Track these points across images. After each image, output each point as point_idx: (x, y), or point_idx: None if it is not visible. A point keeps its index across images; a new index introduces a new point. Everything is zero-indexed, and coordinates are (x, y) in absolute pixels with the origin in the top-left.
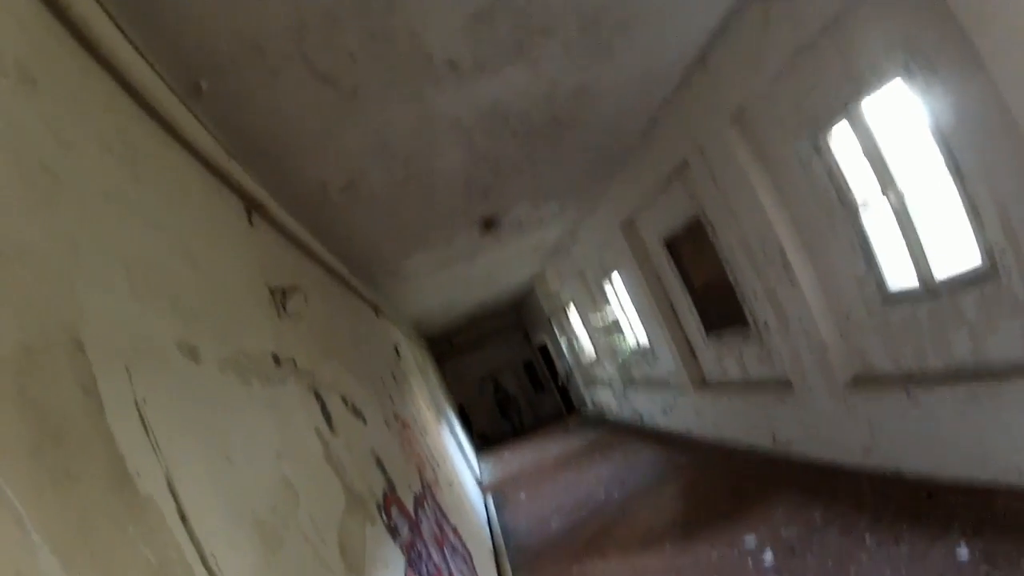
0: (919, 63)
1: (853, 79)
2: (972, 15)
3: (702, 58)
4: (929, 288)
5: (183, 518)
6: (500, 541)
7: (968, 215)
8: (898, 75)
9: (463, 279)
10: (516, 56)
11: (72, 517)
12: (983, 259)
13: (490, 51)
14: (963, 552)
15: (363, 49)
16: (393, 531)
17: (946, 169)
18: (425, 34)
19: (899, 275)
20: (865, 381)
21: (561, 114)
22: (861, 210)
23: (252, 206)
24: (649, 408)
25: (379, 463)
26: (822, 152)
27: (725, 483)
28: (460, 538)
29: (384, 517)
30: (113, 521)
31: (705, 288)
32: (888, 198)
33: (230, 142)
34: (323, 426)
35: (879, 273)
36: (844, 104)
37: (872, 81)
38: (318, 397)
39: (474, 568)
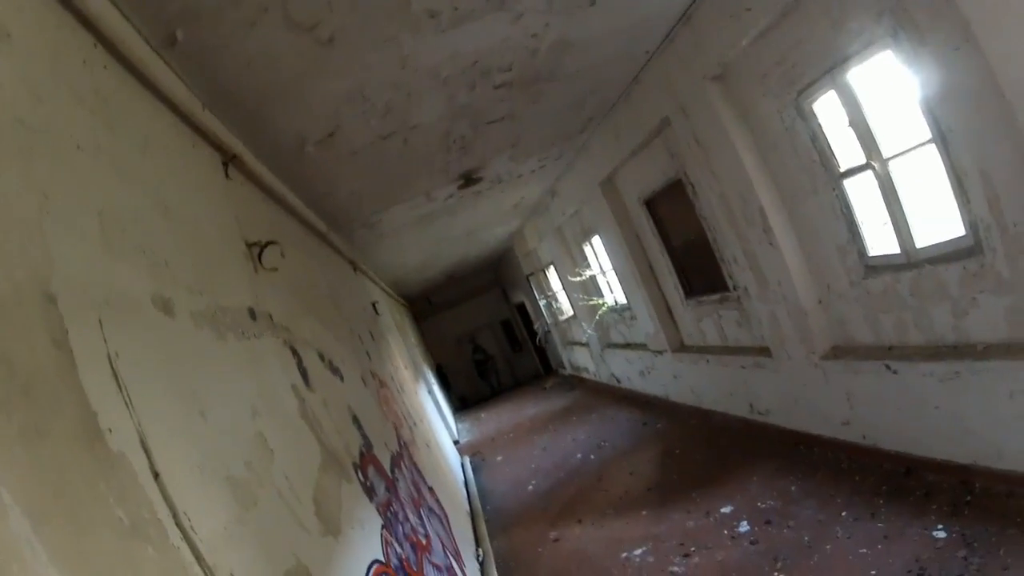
0: (907, 31)
1: (840, 43)
2: None
3: (687, 13)
4: (912, 261)
5: (156, 475)
6: (477, 503)
7: (953, 189)
8: (886, 42)
9: (442, 236)
10: (497, 6)
11: (42, 475)
12: (967, 234)
13: (471, 0)
14: (940, 533)
15: None
16: (369, 491)
17: (932, 141)
18: None
19: (882, 246)
20: (845, 352)
21: (542, 67)
22: (845, 177)
23: (228, 158)
24: (627, 370)
25: (356, 421)
26: (806, 116)
27: (702, 450)
28: (437, 499)
29: (360, 476)
30: (84, 479)
31: (684, 249)
32: (873, 167)
33: (206, 93)
34: (299, 382)
35: (861, 242)
36: (830, 69)
37: (859, 47)
38: (294, 353)
39: (450, 530)
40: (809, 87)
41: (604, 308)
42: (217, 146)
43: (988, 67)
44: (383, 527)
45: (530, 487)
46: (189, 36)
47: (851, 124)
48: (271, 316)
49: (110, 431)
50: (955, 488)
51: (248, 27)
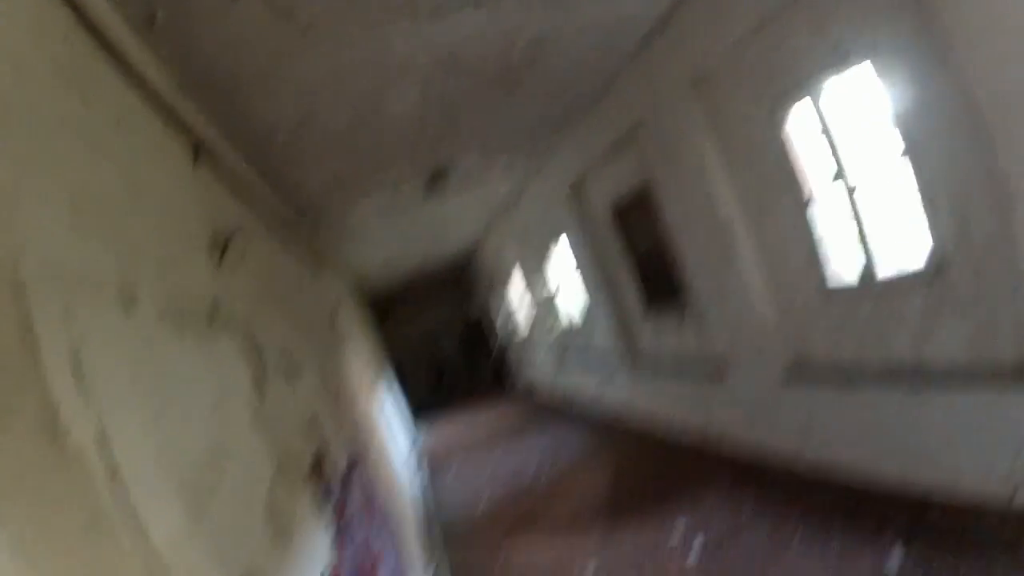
0: (889, 47)
1: (819, 57)
2: (949, 3)
3: (667, 16)
4: (874, 282)
5: (113, 473)
6: (430, 514)
7: (923, 210)
8: (866, 57)
9: (408, 234)
10: (476, 0)
11: (5, 465)
12: (933, 256)
13: None
14: (895, 559)
15: None
16: (323, 498)
17: (904, 160)
18: None
19: (845, 266)
20: (802, 372)
21: (517, 65)
22: (812, 196)
23: (199, 146)
24: (583, 384)
25: (312, 425)
26: (778, 132)
27: (656, 467)
28: (390, 508)
29: (314, 483)
30: (45, 471)
31: (648, 262)
32: (841, 186)
33: (181, 77)
34: (258, 383)
35: (824, 262)
36: (806, 82)
37: (838, 61)
38: (255, 352)
39: (403, 540)
40: (784, 96)
41: (563, 321)
42: (188, 132)
43: (968, 86)
44: (336, 535)
45: (483, 499)
46: (168, 17)
47: (823, 136)
48: (232, 313)
49: (71, 425)
50: (911, 514)
51: (226, 10)
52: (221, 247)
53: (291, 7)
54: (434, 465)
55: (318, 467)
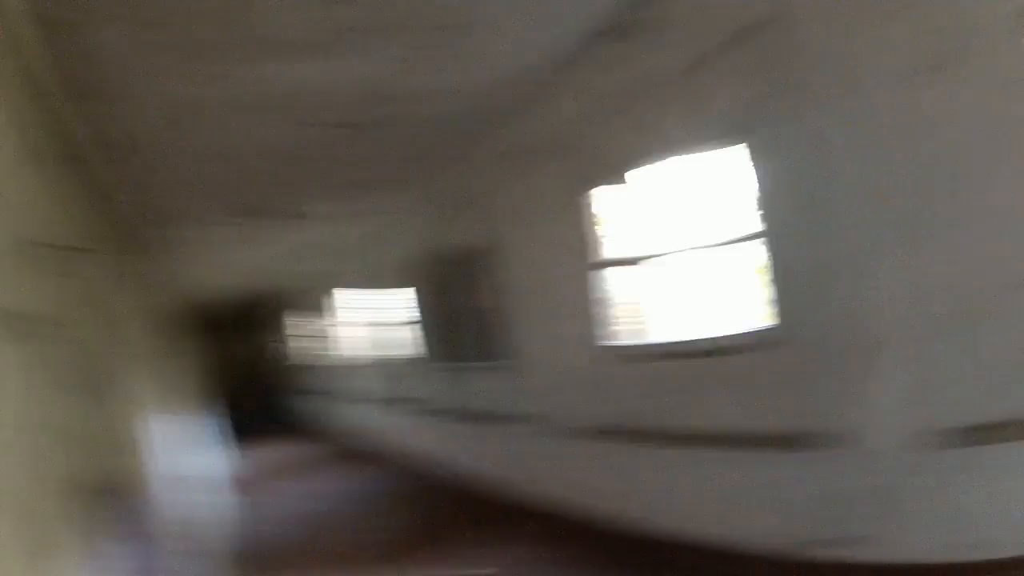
0: (761, 126)
1: (682, 132)
2: (820, 81)
3: (537, 84)
4: (656, 349)
5: None
6: (221, 544)
7: (763, 281)
8: (733, 137)
9: (244, 264)
10: (347, 48)
11: None
12: (762, 326)
13: (320, 36)
14: None
15: (196, 4)
16: (106, 521)
17: (749, 234)
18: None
19: (659, 332)
20: (608, 432)
21: (372, 113)
22: (634, 263)
23: (57, 152)
24: (386, 425)
25: (96, 441)
26: (596, 201)
27: (457, 515)
28: (183, 533)
29: (98, 503)
30: None
31: (463, 313)
32: (669, 256)
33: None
34: (45, 396)
35: (612, 327)
36: (660, 154)
37: (703, 138)
38: (51, 364)
39: (191, 567)
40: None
41: (376, 363)
42: (53, 138)
43: (831, 166)
44: (118, 559)
45: (282, 532)
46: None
47: (660, 209)
48: (33, 322)
49: None
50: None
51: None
52: (51, 255)
53: (163, 22)
54: (232, 493)
55: (105, 484)
